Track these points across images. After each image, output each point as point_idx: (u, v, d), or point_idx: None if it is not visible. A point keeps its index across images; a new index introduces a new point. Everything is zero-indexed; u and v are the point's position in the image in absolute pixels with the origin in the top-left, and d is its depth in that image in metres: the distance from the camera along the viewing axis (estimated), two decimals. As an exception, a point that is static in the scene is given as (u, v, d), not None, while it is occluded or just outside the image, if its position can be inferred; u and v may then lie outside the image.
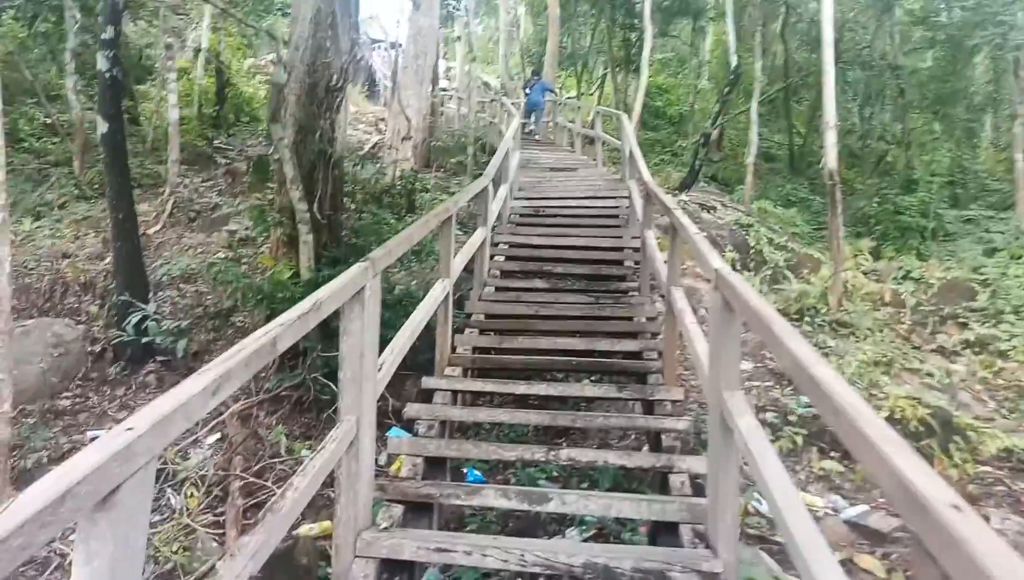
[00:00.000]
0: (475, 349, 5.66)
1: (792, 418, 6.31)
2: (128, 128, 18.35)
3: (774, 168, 23.71)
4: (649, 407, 4.73)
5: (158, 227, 12.28)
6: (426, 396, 4.87)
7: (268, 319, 6.62)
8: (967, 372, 8.28)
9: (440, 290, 5.06)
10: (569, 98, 24.10)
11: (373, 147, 17.19)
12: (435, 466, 4.04)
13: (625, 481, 4.73)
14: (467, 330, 5.98)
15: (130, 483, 1.53)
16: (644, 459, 3.86)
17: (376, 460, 5.71)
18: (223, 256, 10.01)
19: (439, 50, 21.46)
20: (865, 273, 12.52)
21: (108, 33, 7.51)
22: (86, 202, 13.86)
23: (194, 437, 5.78)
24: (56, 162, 15.38)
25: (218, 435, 5.87)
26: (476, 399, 6.35)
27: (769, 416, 6.29)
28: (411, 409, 4.41)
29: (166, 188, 13.90)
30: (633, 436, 5.91)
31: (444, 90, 26.61)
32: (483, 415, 4.41)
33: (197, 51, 21.18)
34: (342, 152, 6.81)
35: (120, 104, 7.68)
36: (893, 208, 14.44)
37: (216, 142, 18.26)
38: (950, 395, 7.22)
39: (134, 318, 6.90)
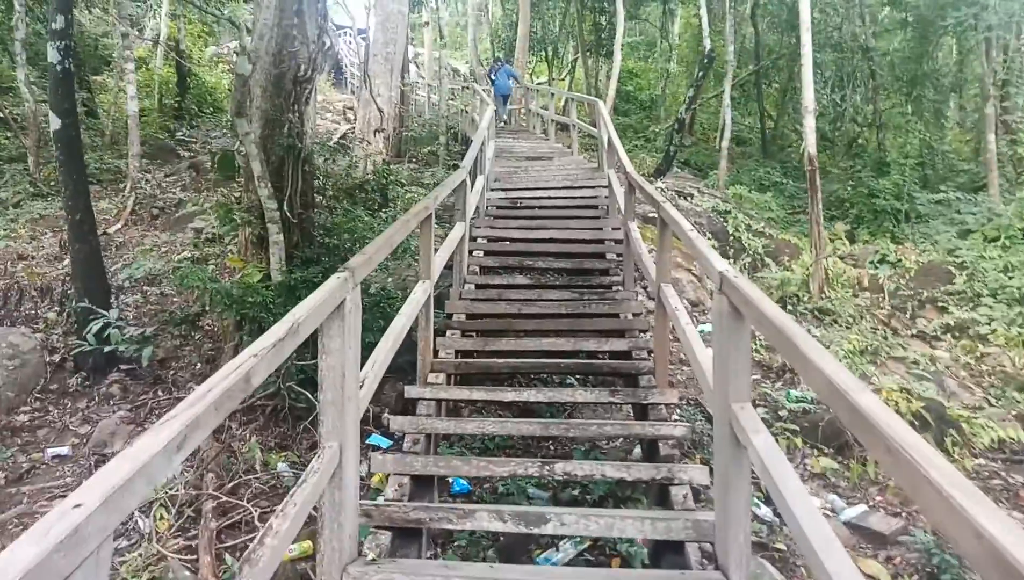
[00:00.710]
0: (458, 352, 5.42)
1: (783, 413, 6.19)
2: (86, 121, 17.73)
3: (746, 152, 23.70)
4: (643, 411, 4.54)
5: (119, 225, 11.80)
6: (409, 406, 4.63)
7: (239, 324, 6.35)
8: (950, 358, 8.26)
9: (421, 293, 4.81)
10: (540, 84, 23.80)
11: (342, 138, 16.76)
12: (422, 482, 3.81)
13: (619, 488, 4.55)
14: (449, 332, 5.73)
15: (80, 574, 1.28)
16: (643, 471, 3.67)
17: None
18: (189, 256, 9.62)
19: (408, 37, 20.98)
20: (842, 258, 12.50)
21: (58, 23, 7.06)
22: (42, 200, 13.29)
23: (163, 452, 5.46)
24: (10, 158, 14.73)
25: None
26: (462, 405, 6.12)
27: (760, 411, 6.16)
28: (396, 423, 4.17)
29: (127, 184, 13.38)
30: (621, 438, 5.74)
31: (419, 80, 26.16)
32: (472, 427, 4.18)
33: (156, 40, 20.47)
34: (312, 146, 6.49)
35: (73, 98, 7.25)
36: (867, 191, 14.44)
37: (179, 134, 17.68)
38: (937, 383, 7.17)
39: (95, 326, 6.53)
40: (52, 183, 14.00)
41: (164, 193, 13.57)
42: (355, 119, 14.95)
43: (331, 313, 2.86)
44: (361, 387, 3.35)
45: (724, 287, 3.02)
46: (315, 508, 2.86)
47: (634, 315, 6.07)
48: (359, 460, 3.15)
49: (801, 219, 16.26)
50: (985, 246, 11.57)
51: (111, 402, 6.59)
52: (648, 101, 28.59)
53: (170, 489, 4.83)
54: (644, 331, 5.77)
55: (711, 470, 3.94)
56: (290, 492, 2.55)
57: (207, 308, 6.23)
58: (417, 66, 32.85)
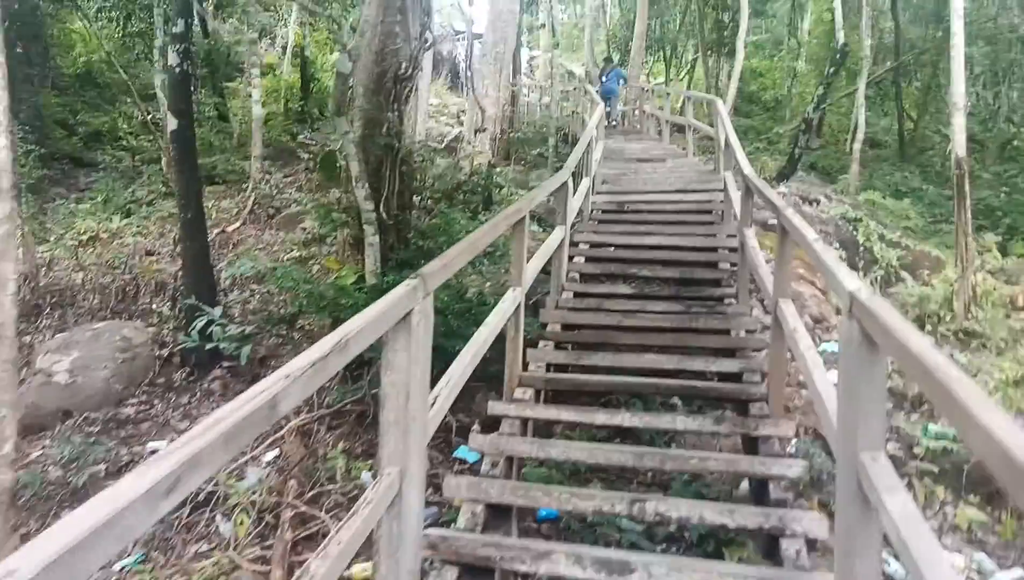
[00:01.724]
0: (549, 366, 5.07)
1: (918, 450, 5.43)
2: (217, 124, 18.71)
3: (880, 155, 21.93)
4: (752, 444, 4.02)
5: (238, 224, 12.26)
6: (493, 422, 4.33)
7: (334, 325, 6.26)
8: None
9: (511, 301, 4.50)
10: (657, 84, 23.06)
11: (454, 140, 16.82)
12: (500, 510, 3.49)
13: (720, 529, 4.04)
14: (541, 343, 5.39)
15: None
16: (749, 516, 3.18)
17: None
18: (296, 255, 9.80)
19: (520, 38, 20.88)
20: (992, 273, 11.15)
21: (179, 27, 7.30)
22: (173, 199, 14.04)
23: (251, 454, 5.45)
24: (148, 160, 15.72)
25: (276, 451, 5.52)
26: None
27: (890, 447, 5.43)
28: (475, 441, 3.87)
29: (249, 184, 13.93)
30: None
31: (527, 76, 26.08)
32: (556, 451, 3.81)
33: (285, 47, 21.41)
34: (411, 146, 6.34)
35: (190, 100, 7.48)
36: (1024, 199, 12.86)
37: (300, 137, 18.34)
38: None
39: (199, 323, 6.65)
40: (184, 183, 14.76)
41: (281, 193, 14.01)
42: (465, 121, 14.92)
43: (396, 324, 2.59)
44: (432, 405, 3.07)
45: (855, 310, 2.50)
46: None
47: (747, 332, 5.50)
48: (424, 486, 2.86)
49: (943, 229, 14.76)
50: None
51: (211, 398, 6.70)
52: (773, 102, 27.13)
53: (254, 492, 4.76)
54: (758, 350, 5.20)
55: (831, 518, 3.39)
56: (336, 526, 2.29)
57: (302, 309, 6.19)
58: (532, 69, 32.82)
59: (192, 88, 7.82)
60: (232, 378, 6.98)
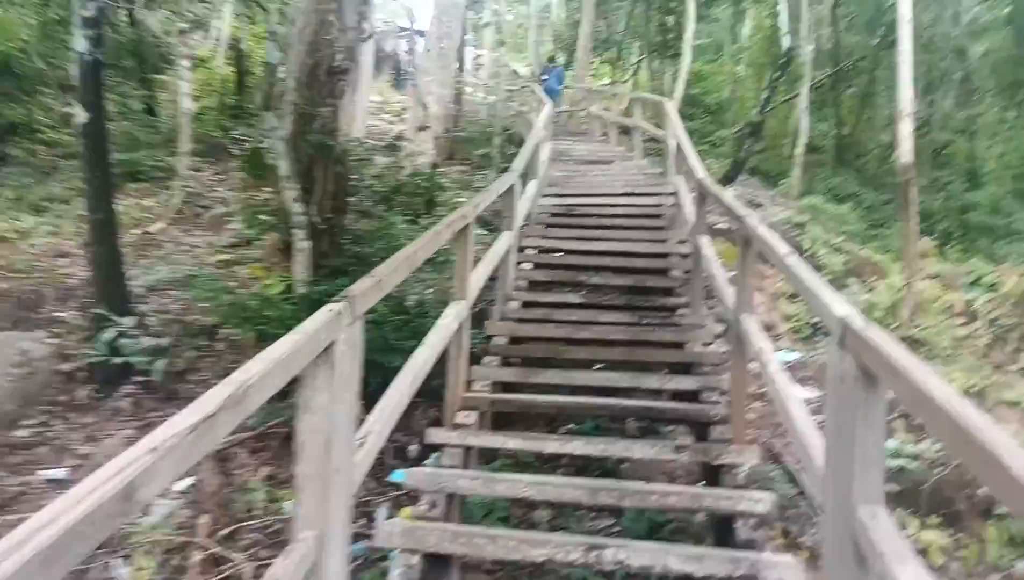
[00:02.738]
0: (496, 385, 4.68)
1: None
2: (144, 119, 17.67)
3: (818, 160, 22.30)
4: (714, 474, 3.71)
5: (162, 224, 11.47)
6: (433, 451, 3.92)
7: (259, 340, 5.74)
8: (1070, 402, 7.10)
9: (453, 316, 4.08)
10: (604, 85, 22.94)
11: (396, 138, 16.25)
12: (440, 560, 3.08)
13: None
14: (487, 359, 4.99)
15: None
16: (719, 564, 2.85)
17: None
18: (224, 258, 9.15)
19: (465, 34, 20.41)
20: (930, 277, 11.28)
21: (89, 10, 6.60)
22: (90, 196, 13.09)
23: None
24: (67, 154, 14.65)
25: (190, 480, 4.97)
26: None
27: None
28: (412, 477, 3.44)
29: (176, 181, 13.11)
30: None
31: (473, 76, 25.68)
32: (503, 488, 3.43)
33: (220, 39, 20.42)
34: (346, 145, 5.86)
35: (101, 91, 6.78)
36: (959, 204, 13.11)
37: (234, 133, 17.47)
38: (1062, 436, 6.07)
39: (106, 335, 6.03)
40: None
41: (211, 192, 13.22)
42: (408, 119, 14.41)
43: (316, 358, 2.16)
44: (361, 446, 2.64)
45: (849, 341, 2.19)
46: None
47: (703, 346, 5.22)
48: (348, 552, 2.43)
49: (881, 233, 15.00)
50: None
51: (120, 418, 6.06)
52: (715, 105, 27.39)
53: (161, 528, 4.23)
54: (715, 365, 4.92)
55: (804, 556, 3.11)
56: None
57: (223, 321, 5.65)
58: (478, 68, 32.38)
59: (104, 79, 7.11)
60: (146, 394, 6.34)
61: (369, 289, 2.50)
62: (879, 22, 19.46)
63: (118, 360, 6.08)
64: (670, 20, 24.18)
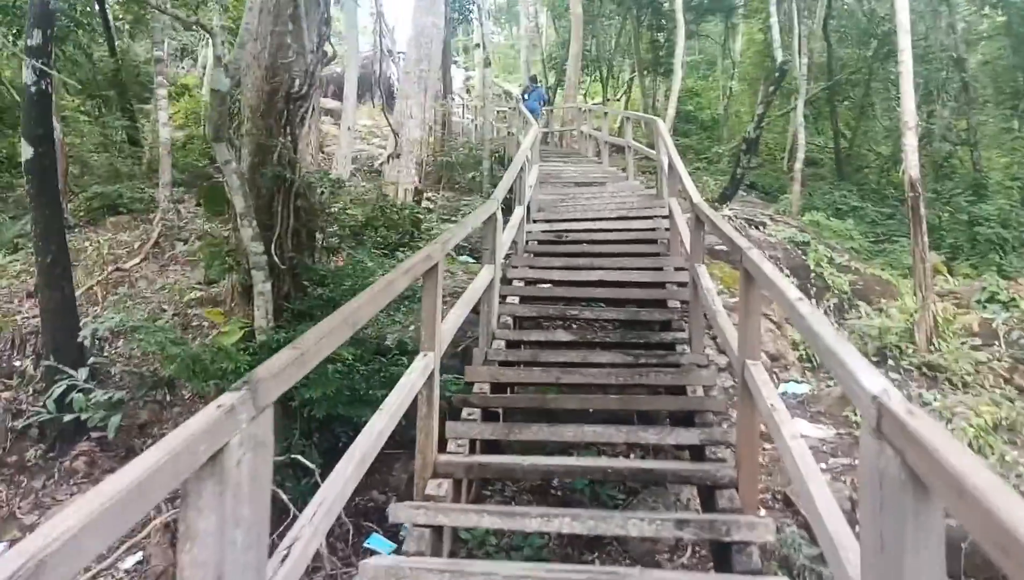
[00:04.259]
0: (474, 443, 4.16)
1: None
2: (126, 149, 17.27)
3: (817, 173, 21.90)
4: (723, 552, 3.18)
5: (137, 260, 10.99)
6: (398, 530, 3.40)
7: (219, 393, 5.25)
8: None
9: (420, 370, 3.57)
10: (595, 104, 22.59)
11: (383, 163, 15.86)
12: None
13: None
14: (466, 411, 4.47)
15: None
16: None
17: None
18: (197, 296, 8.66)
19: (451, 57, 20.10)
20: (941, 295, 10.77)
21: (35, 38, 6.19)
22: (68, 232, 12.64)
23: (107, 561, 4.37)
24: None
25: (139, 556, 4.45)
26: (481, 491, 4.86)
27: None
28: (365, 573, 2.90)
29: (156, 214, 12.68)
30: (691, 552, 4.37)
31: (462, 97, 25.39)
32: (478, 569, 2.89)
33: (207, 66, 20.09)
34: (309, 177, 5.38)
35: (49, 124, 6.34)
36: (967, 217, 12.63)
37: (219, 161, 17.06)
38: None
39: (57, 389, 5.53)
40: (81, 214, 13.46)
41: (191, 224, 12.79)
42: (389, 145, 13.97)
43: (200, 469, 1.65)
44: (284, 560, 2.12)
45: (886, 429, 1.69)
46: None
47: (705, 390, 4.71)
48: None
49: (886, 248, 14.51)
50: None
51: (73, 480, 5.56)
52: (709, 121, 27.09)
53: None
54: (718, 413, 4.41)
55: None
56: None
57: (175, 375, 5.13)
58: (469, 89, 32.13)
59: (53, 110, 6.67)
60: (101, 452, 5.84)
61: (284, 369, 2.00)
62: (871, 34, 19.16)
63: (69, 417, 5.58)
64: (660, 37, 23.89)
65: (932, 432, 1.54)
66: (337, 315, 2.51)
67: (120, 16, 19.39)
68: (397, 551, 4.08)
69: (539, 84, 19.52)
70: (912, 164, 8.02)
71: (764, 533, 3.12)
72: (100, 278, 10.16)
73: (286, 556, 2.13)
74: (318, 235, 5.62)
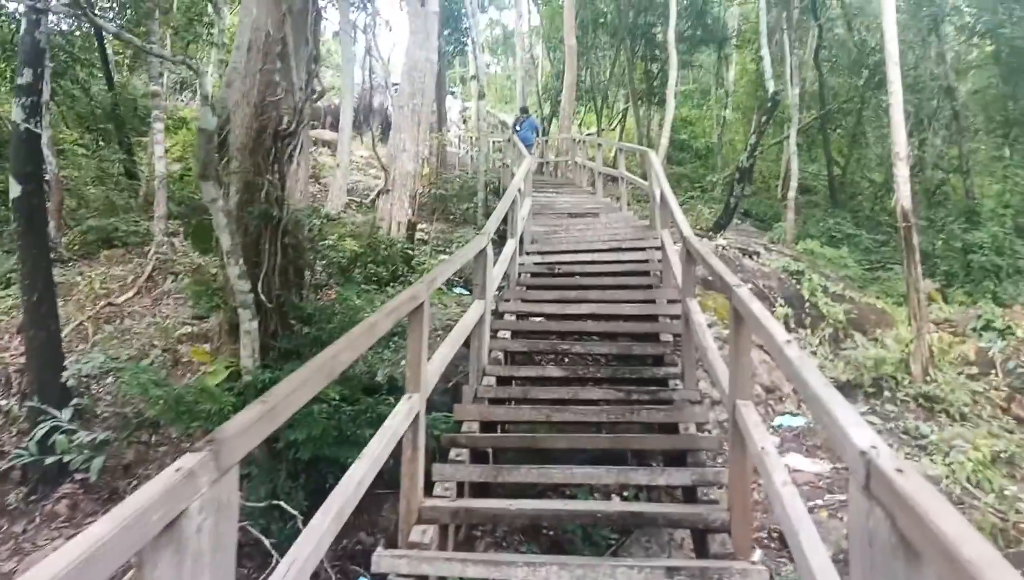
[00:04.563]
0: (462, 487, 4.07)
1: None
2: (123, 183, 17.29)
3: (811, 201, 22.01)
4: (716, 600, 3.09)
5: (130, 294, 10.93)
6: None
7: (205, 434, 5.16)
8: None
9: (404, 413, 3.50)
10: (589, 135, 22.74)
11: (375, 198, 15.88)
12: None
13: None
14: (454, 452, 4.39)
15: None
16: None
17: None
18: (189, 331, 8.59)
19: (446, 88, 20.25)
20: (936, 323, 10.72)
21: (25, 76, 6.21)
22: (61, 265, 12.63)
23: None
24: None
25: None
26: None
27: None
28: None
29: (151, 248, 12.66)
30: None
31: (458, 128, 25.56)
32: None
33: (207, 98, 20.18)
34: (297, 215, 5.35)
35: (39, 161, 6.34)
36: (961, 245, 12.63)
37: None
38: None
39: (40, 431, 5.44)
40: (75, 247, 13.46)
41: (185, 257, 12.76)
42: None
43: (158, 537, 1.57)
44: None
45: (874, 486, 1.63)
46: None
47: (698, 427, 4.63)
48: None
49: (880, 276, 14.50)
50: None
51: (55, 524, 5.44)
52: (703, 149, 27.29)
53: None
54: (711, 452, 4.33)
55: None
56: None
57: (158, 416, 5.05)
58: (465, 120, 32.36)
59: (48, 145, 6.66)
60: (84, 495, 5.73)
61: (251, 425, 1.93)
62: (862, 64, 19.37)
63: (51, 459, 5.48)
64: (654, 68, 24.16)
65: (923, 494, 1.48)
66: (312, 364, 2.44)
67: (120, 51, 19.56)
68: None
69: (531, 115, 19.70)
70: (904, 195, 8.02)
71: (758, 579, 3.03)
72: (91, 313, 10.09)
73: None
74: (306, 272, 5.58)
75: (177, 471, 1.64)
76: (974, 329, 10.44)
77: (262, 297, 5.05)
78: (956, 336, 10.17)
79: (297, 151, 5.27)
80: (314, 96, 5.33)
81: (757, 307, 3.24)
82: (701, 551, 3.65)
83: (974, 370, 9.01)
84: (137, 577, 1.62)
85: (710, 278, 8.88)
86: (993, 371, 8.95)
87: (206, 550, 1.71)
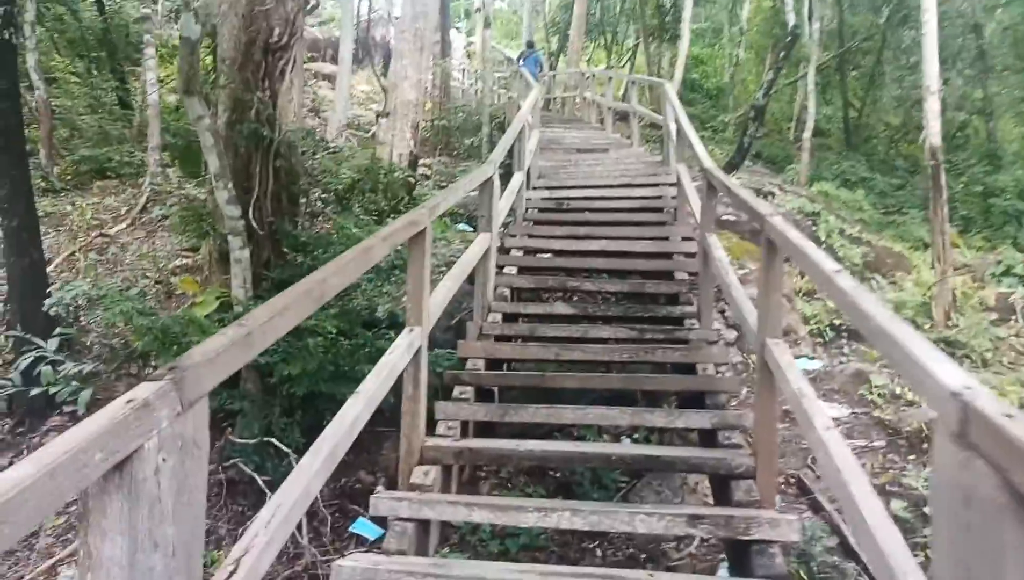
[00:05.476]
0: (466, 425, 3.82)
1: (929, 510, 4.37)
2: (116, 112, 16.73)
3: (824, 144, 21.39)
4: (742, 551, 2.86)
5: (122, 226, 10.61)
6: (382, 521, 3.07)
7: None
8: None
9: (404, 347, 3.22)
10: (598, 70, 21.98)
11: (377, 118, 15.34)
12: None
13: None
14: (458, 389, 4.13)
15: None
16: None
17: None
18: (182, 263, 8.30)
19: (448, 16, 19.44)
20: (957, 269, 10.40)
21: (-3, -16, 5.73)
22: (53, 196, 12.25)
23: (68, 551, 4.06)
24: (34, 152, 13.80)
25: None
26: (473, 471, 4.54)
27: (896, 506, 4.37)
28: (341, 574, 2.57)
29: (145, 179, 12.26)
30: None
31: (463, 61, 24.77)
32: (464, 572, 2.58)
33: (187, 4, 19.40)
34: (290, 136, 4.98)
35: (14, 74, 5.92)
36: (983, 189, 12.19)
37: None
38: None
39: (24, 361, 5.19)
40: (69, 177, 13.07)
41: (180, 189, 12.36)
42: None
43: (100, 481, 1.30)
44: (231, 577, 1.78)
45: (975, 434, 1.33)
46: None
47: (716, 367, 4.36)
48: None
49: (896, 220, 14.12)
50: None
51: (42, 458, 5.22)
52: (715, 90, 26.44)
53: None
54: (733, 395, 4.07)
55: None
56: None
57: (145, 348, 4.78)
58: (470, 55, 31.36)
59: (20, 60, 6.24)
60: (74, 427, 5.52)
61: (224, 351, 1.63)
62: (884, 0, 18.53)
63: (37, 390, 5.25)
64: (667, 1, 23.20)
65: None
66: (297, 288, 2.14)
67: (111, -28, 18.69)
68: (380, 540, 3.78)
69: (537, 49, 18.95)
70: (934, 131, 7.59)
71: (788, 532, 2.79)
72: (83, 244, 9.80)
73: (232, 573, 1.79)
74: (301, 199, 5.24)
75: (128, 403, 1.35)
76: (993, 274, 10.14)
77: (253, 223, 4.72)
78: (974, 281, 9.87)
79: (290, 67, 4.87)
80: (308, 7, 4.89)
81: (795, 235, 2.92)
82: (720, 498, 3.42)
83: (994, 316, 8.74)
84: (81, 529, 1.35)
85: (723, 217, 8.56)
86: (1013, 317, 8.68)
87: (167, 496, 1.43)
